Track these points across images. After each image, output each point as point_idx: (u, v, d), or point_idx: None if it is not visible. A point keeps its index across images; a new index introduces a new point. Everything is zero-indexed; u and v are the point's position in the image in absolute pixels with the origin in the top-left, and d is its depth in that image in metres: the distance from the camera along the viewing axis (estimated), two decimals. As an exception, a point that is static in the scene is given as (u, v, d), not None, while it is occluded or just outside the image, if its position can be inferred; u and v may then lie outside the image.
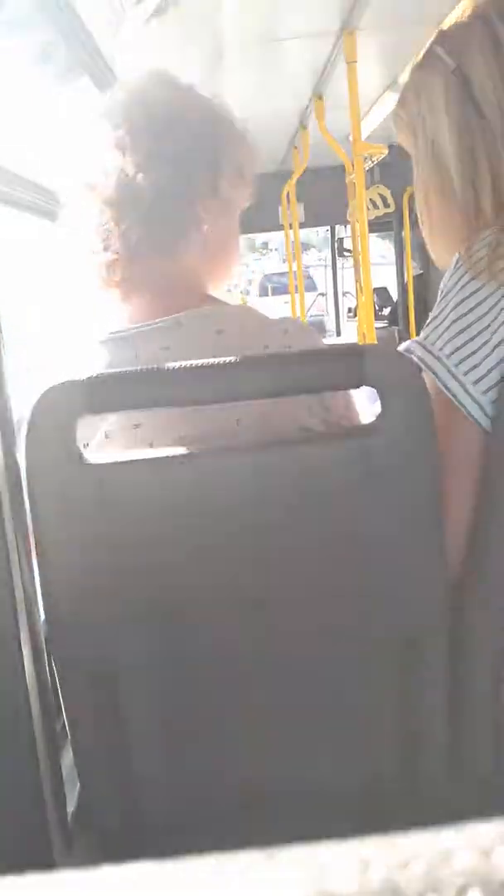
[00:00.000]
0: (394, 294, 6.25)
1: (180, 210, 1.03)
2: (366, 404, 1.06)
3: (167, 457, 0.85)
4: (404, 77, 3.35)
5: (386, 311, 6.25)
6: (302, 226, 5.36)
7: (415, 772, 0.97)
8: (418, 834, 0.13)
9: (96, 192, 1.01)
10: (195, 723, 0.96)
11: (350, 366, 0.83)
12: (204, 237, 1.05)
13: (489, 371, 0.91)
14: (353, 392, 1.04)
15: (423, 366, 0.95)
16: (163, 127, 1.01)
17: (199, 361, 0.82)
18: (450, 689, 0.95)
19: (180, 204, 1.02)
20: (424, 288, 5.20)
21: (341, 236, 6.51)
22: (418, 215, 1.10)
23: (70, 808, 1.00)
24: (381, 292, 6.77)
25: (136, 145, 1.00)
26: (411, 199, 4.46)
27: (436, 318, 0.96)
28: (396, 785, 0.97)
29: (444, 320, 0.94)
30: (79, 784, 1.02)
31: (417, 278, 5.35)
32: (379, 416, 0.86)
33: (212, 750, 0.96)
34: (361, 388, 0.87)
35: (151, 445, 0.93)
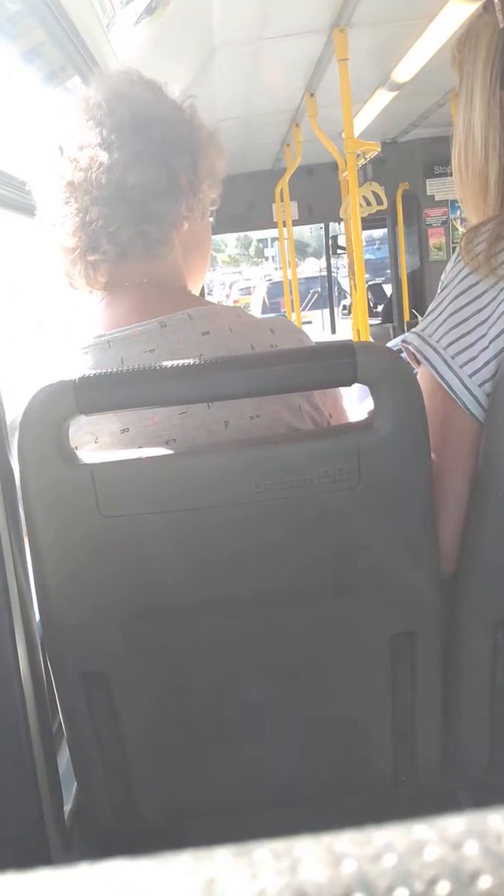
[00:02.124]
0: (388, 291, 6.26)
1: (168, 209, 1.02)
2: (356, 402, 1.06)
3: (159, 455, 0.85)
4: (396, 74, 3.34)
5: (380, 308, 6.25)
6: (295, 223, 5.36)
7: (409, 767, 0.97)
8: (392, 828, 0.13)
9: (82, 189, 0.99)
10: (190, 720, 0.96)
11: (342, 363, 0.84)
12: (184, 237, 1.06)
13: (486, 364, 0.91)
14: (345, 389, 1.04)
15: (420, 356, 0.95)
16: (147, 125, 1.01)
17: (190, 360, 0.82)
18: (443, 684, 0.96)
19: (168, 203, 1.02)
20: (419, 285, 5.20)
21: (335, 234, 6.52)
22: (453, 167, 1.06)
23: (67, 807, 1.00)
24: (376, 289, 6.78)
25: (123, 143, 0.99)
26: (404, 195, 4.46)
27: (434, 309, 0.96)
28: (391, 780, 0.97)
29: (442, 312, 0.94)
30: (76, 783, 1.03)
31: (412, 274, 5.36)
32: (371, 413, 0.87)
33: (207, 747, 0.97)
34: (353, 385, 0.88)
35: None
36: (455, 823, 0.13)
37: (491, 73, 0.96)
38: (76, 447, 0.92)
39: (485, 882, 0.12)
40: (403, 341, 1.00)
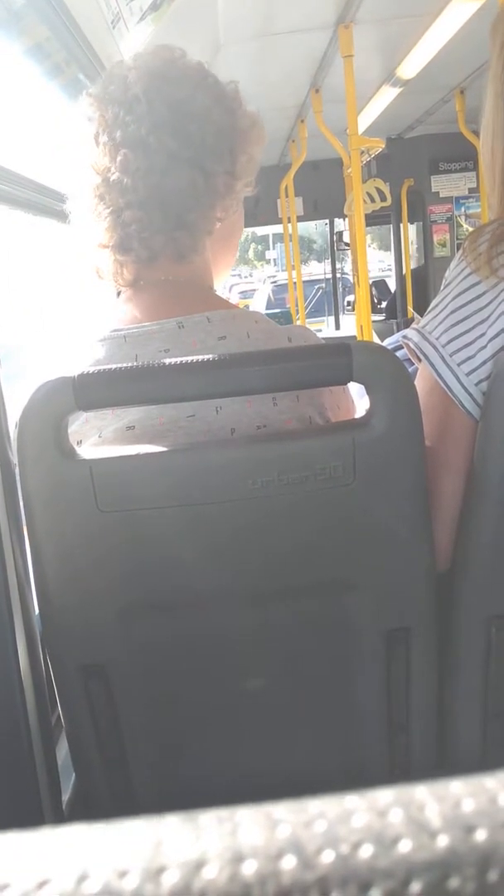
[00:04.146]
0: (392, 287, 6.26)
1: (203, 217, 1.00)
2: (355, 400, 1.07)
3: (157, 452, 0.87)
4: (401, 70, 3.33)
5: (384, 305, 6.25)
6: (300, 219, 5.37)
7: (404, 761, 0.98)
8: (326, 799, 0.14)
9: (117, 190, 0.96)
10: (188, 713, 0.97)
11: (338, 362, 0.85)
12: (216, 234, 1.04)
13: (483, 363, 0.92)
14: (354, 396, 1.05)
15: (419, 353, 0.96)
16: (187, 122, 0.97)
17: (189, 358, 0.83)
18: (437, 679, 0.97)
19: (203, 210, 1.00)
20: (423, 280, 5.20)
21: (339, 230, 6.51)
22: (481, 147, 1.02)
23: (65, 797, 1.02)
24: (380, 285, 6.78)
25: (161, 145, 0.95)
26: (409, 192, 4.43)
27: (436, 306, 0.97)
28: (385, 773, 0.99)
29: (443, 310, 0.95)
30: (74, 774, 1.04)
31: (416, 271, 5.36)
32: (367, 412, 0.88)
33: (203, 739, 0.98)
34: (350, 384, 0.89)
35: None
36: (384, 795, 0.14)
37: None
38: (80, 441, 0.93)
39: (405, 846, 0.13)
40: (404, 337, 1.01)
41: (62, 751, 1.06)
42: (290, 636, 0.94)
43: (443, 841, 0.13)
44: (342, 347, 0.85)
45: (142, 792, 0.99)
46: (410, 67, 3.26)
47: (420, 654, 0.94)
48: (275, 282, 12.99)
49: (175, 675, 0.95)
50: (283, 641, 0.94)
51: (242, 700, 0.96)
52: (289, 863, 0.13)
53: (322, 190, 5.16)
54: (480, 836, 0.13)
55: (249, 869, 0.13)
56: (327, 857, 0.13)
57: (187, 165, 0.97)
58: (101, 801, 1.00)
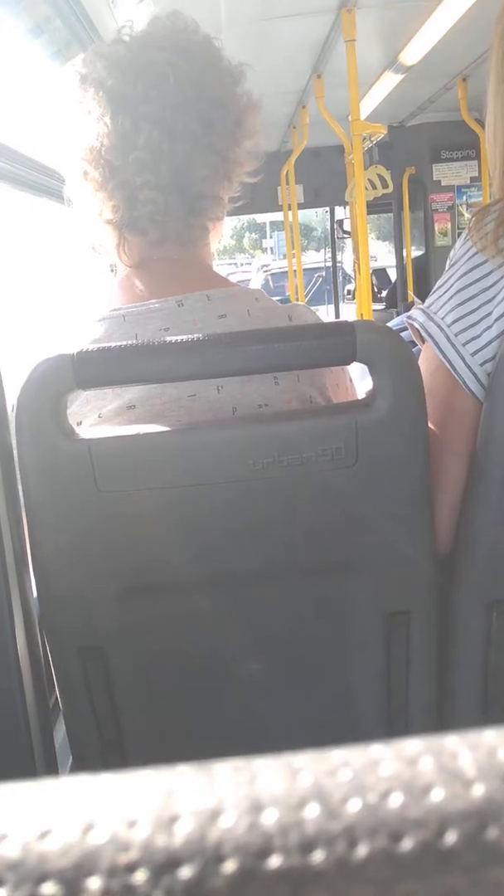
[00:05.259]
0: (392, 276, 6.24)
1: (217, 202, 1.00)
2: (356, 381, 1.06)
3: (157, 432, 0.86)
4: (404, 56, 3.31)
5: (384, 294, 6.23)
6: (301, 206, 5.34)
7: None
8: (349, 748, 0.13)
9: (135, 167, 0.93)
10: (186, 695, 0.97)
11: (341, 341, 0.84)
12: (220, 221, 1.04)
13: (488, 343, 0.91)
14: (354, 376, 1.04)
15: (423, 332, 0.95)
16: (209, 108, 0.95)
17: (189, 336, 0.82)
18: (437, 664, 0.96)
19: (217, 196, 0.99)
20: (424, 269, 5.18)
21: (340, 218, 6.49)
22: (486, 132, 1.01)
23: None
24: (380, 274, 6.75)
25: (186, 130, 0.93)
26: (410, 178, 4.41)
27: (441, 286, 0.96)
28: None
29: (448, 289, 0.94)
30: (71, 756, 1.04)
31: (417, 260, 5.33)
32: (370, 392, 0.87)
33: (201, 721, 0.98)
34: (353, 364, 0.88)
35: None
36: (412, 744, 0.13)
37: None
38: (79, 421, 0.92)
39: (437, 795, 0.12)
40: (408, 317, 1.00)
41: (60, 733, 1.05)
42: (290, 618, 0.93)
43: (478, 790, 0.12)
44: (346, 326, 0.84)
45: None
46: (413, 53, 3.24)
47: (420, 638, 0.93)
48: (268, 270, 12.85)
49: (173, 656, 0.95)
50: (282, 623, 0.94)
51: (240, 682, 0.95)
52: (312, 811, 0.12)
53: (323, 177, 5.13)
54: (519, 785, 0.12)
55: (270, 818, 0.12)
56: (354, 805, 0.12)
57: (209, 151, 0.95)
58: None
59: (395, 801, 0.12)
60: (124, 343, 0.83)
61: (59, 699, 0.97)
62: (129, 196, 0.95)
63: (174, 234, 0.98)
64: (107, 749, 0.97)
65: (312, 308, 1.05)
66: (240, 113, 0.99)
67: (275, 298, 1.08)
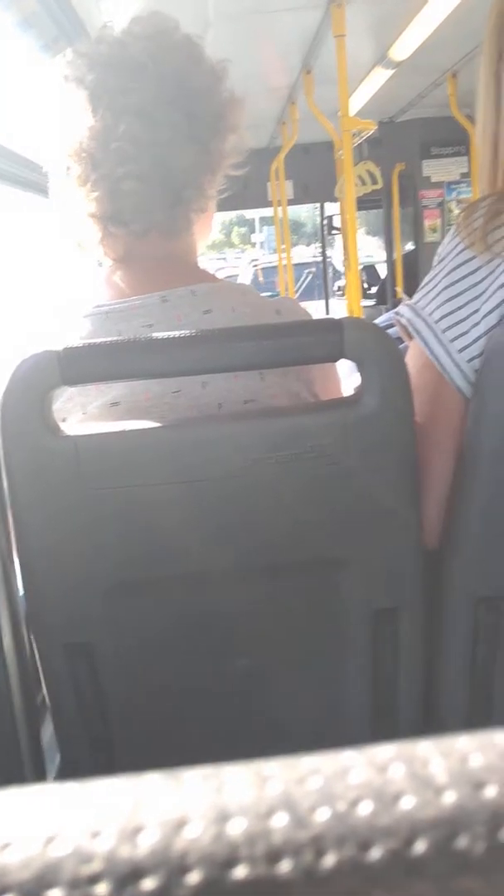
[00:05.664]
0: (382, 272, 6.24)
1: (201, 193, 0.99)
2: (344, 378, 1.06)
3: (144, 429, 0.85)
4: (394, 52, 3.30)
5: (374, 290, 6.23)
6: (290, 203, 5.33)
7: (389, 742, 0.98)
8: (319, 755, 0.13)
9: (116, 158, 0.93)
10: (173, 691, 0.96)
11: (329, 339, 0.83)
12: (206, 213, 1.04)
13: (476, 340, 0.91)
14: (341, 372, 1.04)
15: (411, 329, 0.95)
16: (192, 99, 0.95)
17: (177, 333, 0.82)
18: (424, 660, 0.96)
19: (201, 187, 0.99)
20: (414, 266, 5.18)
21: (330, 214, 6.48)
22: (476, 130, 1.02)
23: (50, 778, 1.01)
24: (369, 270, 6.76)
25: (168, 119, 0.93)
26: (400, 175, 4.41)
27: (429, 282, 0.95)
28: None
29: (436, 286, 0.94)
30: (59, 754, 1.03)
31: (406, 256, 5.34)
32: (357, 389, 0.86)
33: (189, 718, 0.97)
34: (341, 360, 0.88)
35: None
36: (384, 750, 0.13)
37: (498, 38, 0.94)
38: (64, 418, 0.92)
39: (407, 802, 0.12)
40: (396, 313, 1.00)
41: (47, 731, 1.05)
42: (278, 615, 0.93)
43: (449, 797, 0.12)
44: (333, 323, 0.84)
45: (128, 772, 0.98)
46: (403, 49, 3.23)
47: (407, 635, 0.93)
48: (257, 265, 12.78)
49: (161, 653, 0.94)
50: (270, 620, 0.94)
51: (228, 678, 0.95)
52: (280, 821, 0.12)
53: (313, 173, 5.13)
54: (490, 792, 0.12)
55: (236, 828, 0.12)
56: (322, 814, 0.12)
57: (191, 141, 0.95)
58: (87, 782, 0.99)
59: (365, 809, 0.12)
60: (111, 339, 0.82)
61: (45, 697, 0.97)
62: (111, 188, 0.95)
63: (157, 225, 0.98)
64: (95, 747, 0.97)
65: (303, 304, 1.05)
66: (222, 106, 0.99)
67: (265, 294, 1.07)
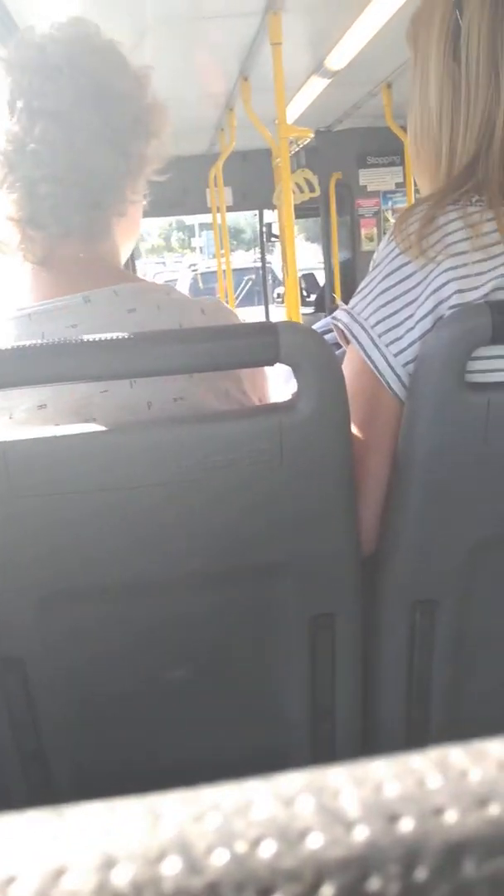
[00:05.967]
0: (321, 280, 6.29)
1: (119, 198, 0.99)
2: (282, 383, 1.05)
3: (75, 434, 0.83)
4: (330, 61, 3.33)
5: (313, 298, 6.28)
6: (230, 209, 5.33)
7: (328, 747, 0.98)
8: (223, 786, 0.12)
9: (32, 161, 0.93)
10: (109, 703, 0.94)
11: (265, 342, 0.82)
12: (127, 217, 1.03)
13: (410, 344, 0.91)
14: (272, 370, 1.03)
15: (348, 333, 0.95)
16: (110, 102, 0.95)
17: (107, 335, 0.80)
18: (362, 665, 0.96)
19: (121, 191, 0.99)
20: (351, 274, 5.23)
21: (269, 221, 6.51)
22: (409, 139, 1.04)
23: None
24: (308, 278, 6.80)
25: (83, 121, 0.92)
26: (337, 183, 4.45)
27: (365, 287, 0.96)
28: (309, 759, 0.97)
29: (371, 290, 0.94)
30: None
31: (343, 264, 5.39)
32: (294, 394, 0.86)
33: (125, 729, 0.95)
34: (276, 365, 0.87)
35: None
36: (292, 779, 0.12)
37: (444, 45, 0.96)
38: None
39: (314, 841, 0.11)
40: (333, 318, 1.00)
41: None
42: (215, 623, 0.92)
43: (361, 833, 0.11)
44: (269, 327, 0.83)
45: (62, 784, 0.96)
46: (339, 59, 3.26)
47: (345, 640, 0.93)
48: (196, 270, 12.73)
49: (96, 665, 0.92)
50: (207, 628, 0.92)
51: (165, 689, 0.93)
52: (172, 867, 0.10)
53: (251, 180, 5.14)
54: (406, 826, 0.11)
55: (122, 876, 0.10)
56: (220, 857, 0.10)
57: (109, 145, 0.95)
58: (18, 796, 0.96)
59: (267, 850, 0.11)
60: (37, 342, 0.80)
61: None
62: (28, 190, 0.94)
63: (76, 228, 0.97)
64: (26, 762, 0.94)
65: (243, 310, 1.05)
66: (144, 112, 0.99)
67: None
